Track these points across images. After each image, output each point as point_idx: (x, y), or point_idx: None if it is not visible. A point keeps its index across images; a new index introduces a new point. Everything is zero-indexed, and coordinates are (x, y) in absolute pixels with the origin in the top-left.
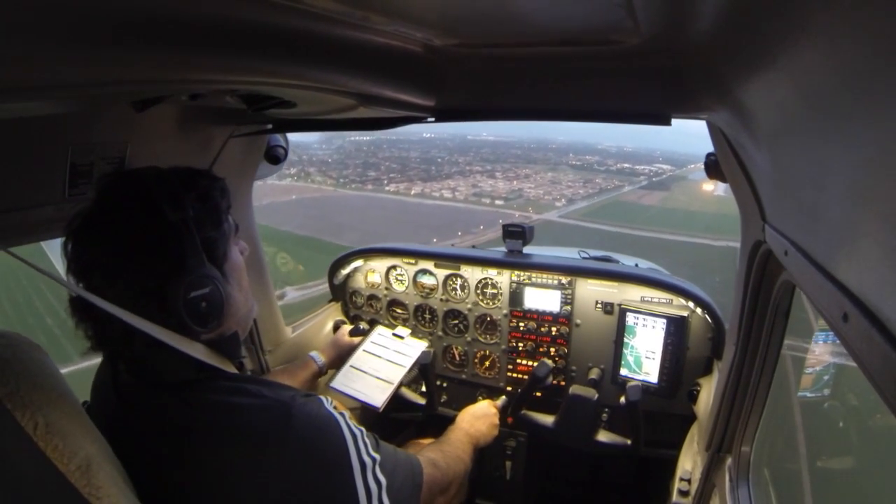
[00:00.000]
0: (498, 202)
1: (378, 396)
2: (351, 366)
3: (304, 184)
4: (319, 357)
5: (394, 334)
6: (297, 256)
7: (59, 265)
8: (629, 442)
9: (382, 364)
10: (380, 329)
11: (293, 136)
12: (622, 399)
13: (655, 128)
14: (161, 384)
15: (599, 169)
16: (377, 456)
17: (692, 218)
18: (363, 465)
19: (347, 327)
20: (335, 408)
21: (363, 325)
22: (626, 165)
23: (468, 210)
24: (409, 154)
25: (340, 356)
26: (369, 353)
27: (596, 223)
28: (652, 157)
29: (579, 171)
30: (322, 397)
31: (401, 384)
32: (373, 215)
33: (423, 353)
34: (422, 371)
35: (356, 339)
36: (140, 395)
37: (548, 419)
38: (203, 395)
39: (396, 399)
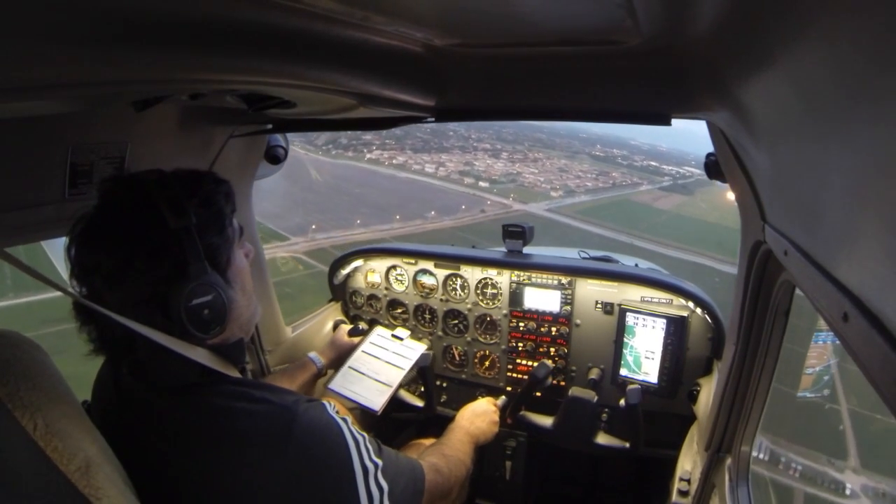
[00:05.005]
0: (482, 184)
1: (377, 399)
2: (350, 367)
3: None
4: (319, 358)
5: (393, 335)
6: None
7: (61, 266)
8: (627, 445)
9: (381, 366)
10: (379, 330)
11: None
12: (622, 402)
13: (695, 131)
14: (164, 387)
15: (622, 163)
16: (379, 461)
17: (705, 230)
18: (365, 470)
19: (346, 327)
20: (337, 412)
21: (362, 326)
22: (652, 163)
23: (441, 190)
24: (425, 123)
25: (339, 357)
26: (368, 354)
27: (586, 223)
28: (683, 160)
29: (599, 162)
30: (325, 402)
31: (399, 387)
32: (312, 186)
33: (423, 355)
34: (421, 374)
35: (355, 340)
36: (142, 398)
37: (546, 420)
38: (206, 399)
39: (394, 401)
